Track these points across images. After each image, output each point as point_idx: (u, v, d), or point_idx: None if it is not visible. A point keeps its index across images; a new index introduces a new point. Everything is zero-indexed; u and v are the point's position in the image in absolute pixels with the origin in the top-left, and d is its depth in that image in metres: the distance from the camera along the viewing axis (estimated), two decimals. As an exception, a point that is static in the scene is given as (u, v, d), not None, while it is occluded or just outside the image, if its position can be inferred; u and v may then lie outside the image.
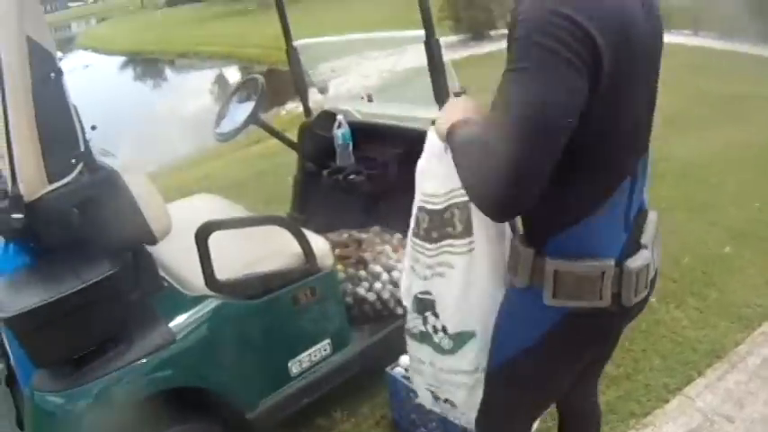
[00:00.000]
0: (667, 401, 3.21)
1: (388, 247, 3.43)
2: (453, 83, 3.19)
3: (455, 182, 1.82)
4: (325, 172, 3.61)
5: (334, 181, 3.54)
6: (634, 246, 1.68)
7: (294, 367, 2.94)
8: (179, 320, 2.60)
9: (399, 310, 3.24)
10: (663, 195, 5.07)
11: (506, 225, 2.05)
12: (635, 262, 1.65)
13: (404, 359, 3.05)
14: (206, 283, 2.64)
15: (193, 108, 13.61)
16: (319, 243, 2.97)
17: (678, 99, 7.47)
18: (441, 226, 2.08)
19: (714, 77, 8.79)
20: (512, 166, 1.41)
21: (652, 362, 3.44)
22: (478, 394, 2.07)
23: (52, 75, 2.25)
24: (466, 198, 1.90)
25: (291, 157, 4.22)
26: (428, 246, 2.13)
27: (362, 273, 3.27)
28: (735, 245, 4.51)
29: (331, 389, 3.01)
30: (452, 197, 2.03)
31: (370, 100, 3.86)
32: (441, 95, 3.16)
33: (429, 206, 2.11)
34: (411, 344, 2.32)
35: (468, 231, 2.02)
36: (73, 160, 2.31)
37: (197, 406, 2.74)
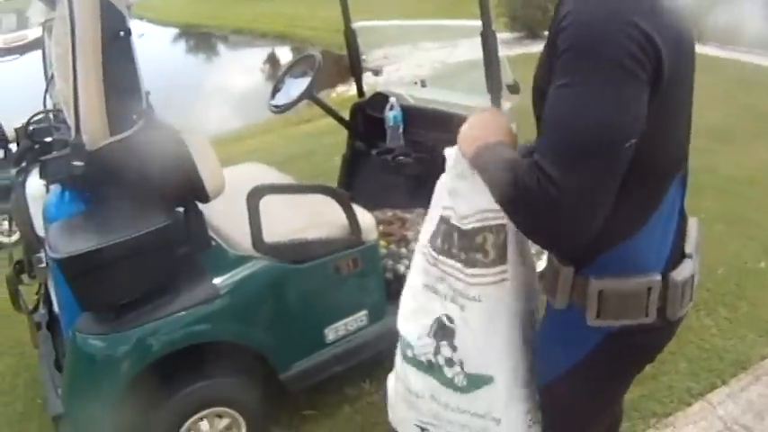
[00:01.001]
0: (689, 405, 3.25)
1: (429, 229, 3.49)
2: (507, 76, 3.25)
3: (488, 201, 1.68)
4: (374, 151, 3.67)
5: (382, 161, 3.60)
6: (678, 256, 1.61)
7: (330, 334, 3.03)
8: (223, 278, 2.70)
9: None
10: (702, 207, 5.07)
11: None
12: (681, 274, 1.57)
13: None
14: (253, 245, 2.74)
15: (244, 84, 13.71)
16: (365, 217, 3.06)
17: (728, 114, 7.43)
18: (470, 249, 1.88)
19: (758, 93, 8.69)
20: (580, 198, 1.33)
21: (678, 365, 3.48)
22: None
23: (122, 33, 2.36)
24: (501, 221, 1.81)
25: (340, 138, 4.30)
26: (458, 266, 1.91)
27: (404, 250, 3.35)
28: (772, 261, 4.52)
29: (363, 360, 3.09)
30: (485, 219, 1.85)
31: (423, 85, 3.92)
32: (494, 87, 3.22)
33: (456, 223, 1.92)
34: (409, 372, 2.10)
35: (501, 259, 1.86)
36: (134, 116, 2.41)
37: (233, 362, 2.84)
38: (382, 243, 3.35)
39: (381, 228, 3.40)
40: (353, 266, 2.99)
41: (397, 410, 2.23)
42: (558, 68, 1.35)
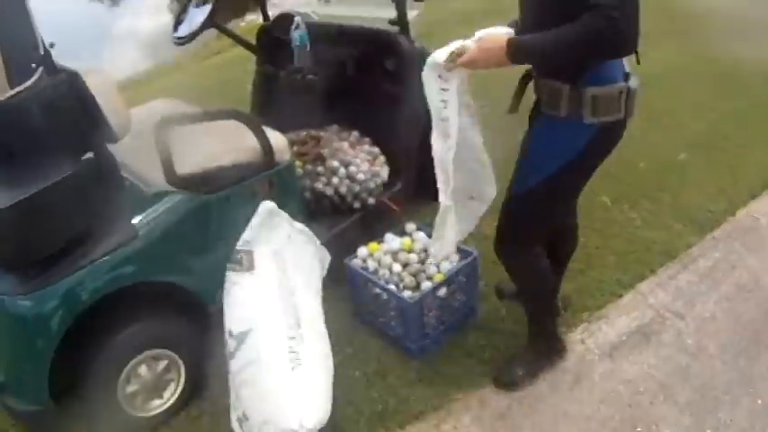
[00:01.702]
0: (620, 296, 3.31)
1: (345, 144, 3.46)
2: None
3: None
4: (282, 73, 3.59)
5: (291, 81, 3.51)
6: (627, 73, 2.29)
7: None
8: (141, 217, 2.62)
9: (356, 205, 3.29)
10: (621, 102, 5.12)
11: None
12: (634, 83, 2.28)
13: (362, 251, 3.11)
14: (166, 178, 2.65)
15: (151, 25, 13.32)
16: (277, 138, 2.98)
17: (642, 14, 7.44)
18: None
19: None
20: (632, 22, 1.98)
21: (606, 259, 3.53)
22: (254, 396, 2.49)
23: None
24: None
25: (251, 66, 4.19)
26: None
27: (320, 168, 3.30)
28: (690, 153, 4.57)
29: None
30: None
31: (327, 1, 3.84)
32: None
33: None
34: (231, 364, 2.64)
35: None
36: (33, 64, 2.28)
37: (161, 300, 2.79)
38: (298, 164, 3.29)
39: (296, 148, 3.34)
40: (270, 189, 2.92)
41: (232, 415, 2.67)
42: None
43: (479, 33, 2.27)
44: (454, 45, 2.26)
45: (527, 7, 2.35)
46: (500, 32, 2.25)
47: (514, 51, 2.13)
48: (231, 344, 2.58)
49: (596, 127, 2.27)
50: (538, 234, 2.67)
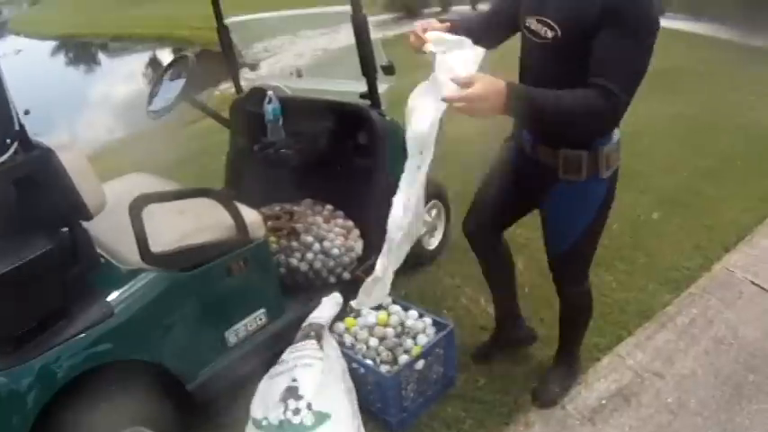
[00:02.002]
0: (598, 360, 3.31)
1: (319, 218, 3.47)
2: (381, 58, 3.26)
3: None
4: (256, 147, 3.62)
5: (265, 155, 3.55)
6: None
7: (231, 337, 2.97)
8: (116, 294, 2.60)
9: (332, 279, 3.29)
10: (594, 162, 5.18)
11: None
12: (618, 136, 2.51)
13: (338, 326, 3.11)
14: (141, 257, 2.64)
15: (127, 91, 13.42)
16: (250, 214, 2.98)
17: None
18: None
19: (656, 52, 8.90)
20: (627, 106, 2.18)
21: (582, 324, 3.51)
22: None
23: None
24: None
25: (225, 136, 4.21)
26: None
27: (294, 243, 3.30)
28: (664, 211, 4.63)
29: (266, 359, 3.01)
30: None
31: (299, 75, 3.90)
32: (368, 69, 3.20)
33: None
34: None
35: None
36: (8, 140, 2.28)
37: (138, 379, 2.73)
38: (272, 239, 3.29)
39: (270, 224, 3.34)
40: (245, 266, 2.93)
41: None
42: (611, 22, 2.12)
43: (452, 61, 2.12)
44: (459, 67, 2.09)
45: (535, 66, 2.43)
46: (470, 54, 2.16)
47: (515, 99, 2.03)
48: (307, 416, 2.59)
49: (608, 179, 2.54)
50: (589, 268, 2.90)
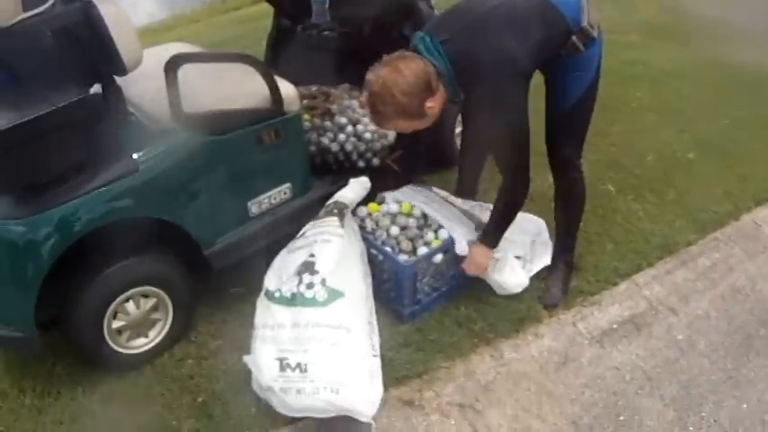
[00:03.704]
0: (615, 284, 3.29)
1: (355, 102, 3.43)
2: None
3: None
4: (299, 27, 3.56)
5: (307, 37, 3.50)
6: None
7: (254, 207, 2.96)
8: (143, 152, 2.58)
9: (361, 164, 3.27)
10: (635, 97, 5.15)
11: None
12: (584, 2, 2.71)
13: (361, 210, 3.11)
14: (172, 116, 2.62)
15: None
16: (286, 87, 2.94)
17: (663, 11, 7.44)
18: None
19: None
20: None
21: (604, 246, 3.51)
22: (334, 357, 2.51)
23: None
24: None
25: (269, 23, 4.11)
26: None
27: (328, 123, 3.28)
28: (700, 153, 4.54)
29: (287, 233, 3.01)
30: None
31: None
32: None
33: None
34: (275, 310, 2.65)
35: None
36: None
37: (155, 239, 2.77)
38: (306, 117, 3.27)
39: (306, 102, 3.32)
40: (275, 137, 2.90)
41: (261, 349, 2.62)
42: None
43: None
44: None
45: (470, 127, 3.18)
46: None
47: (490, 245, 2.92)
48: (321, 292, 2.61)
49: (599, 43, 2.76)
50: (582, 147, 3.06)
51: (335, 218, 2.80)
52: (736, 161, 4.49)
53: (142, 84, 2.65)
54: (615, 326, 3.07)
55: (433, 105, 2.53)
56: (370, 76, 2.48)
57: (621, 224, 3.68)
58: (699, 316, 3.15)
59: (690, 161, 4.44)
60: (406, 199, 3.08)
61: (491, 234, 2.92)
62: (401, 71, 2.45)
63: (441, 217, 3.04)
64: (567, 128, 2.95)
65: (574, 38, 2.66)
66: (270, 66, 3.85)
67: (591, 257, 3.41)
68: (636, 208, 3.86)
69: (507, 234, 2.95)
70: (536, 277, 3.24)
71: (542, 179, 3.18)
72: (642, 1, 7.77)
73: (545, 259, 3.31)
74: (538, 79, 2.83)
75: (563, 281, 3.21)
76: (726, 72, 5.97)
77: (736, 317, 3.17)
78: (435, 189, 3.24)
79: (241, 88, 2.87)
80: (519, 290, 3.12)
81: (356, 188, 2.99)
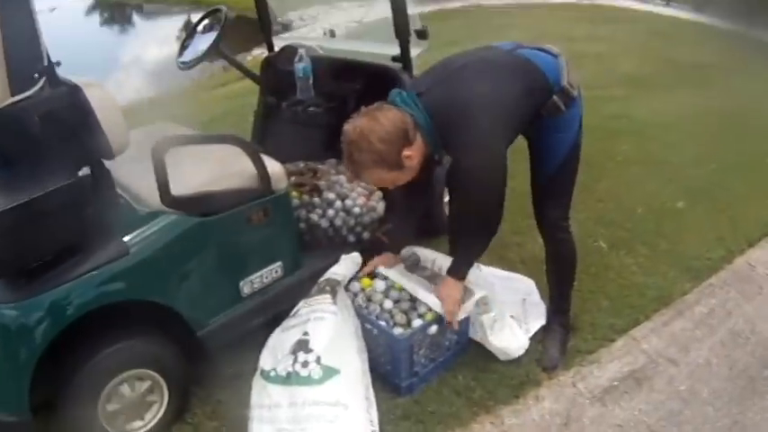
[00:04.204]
0: (613, 341, 3.28)
1: (342, 177, 3.45)
2: (415, 23, 3.24)
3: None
4: (285, 104, 3.60)
5: (293, 113, 3.54)
6: None
7: (245, 287, 2.96)
8: (133, 234, 2.60)
9: (351, 238, 3.28)
10: (620, 150, 5.20)
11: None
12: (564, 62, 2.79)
13: (354, 285, 3.10)
14: (161, 199, 2.64)
15: (159, 54, 13.45)
16: (274, 166, 2.97)
17: (644, 63, 7.55)
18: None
19: (681, 46, 8.88)
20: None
21: (599, 303, 3.51)
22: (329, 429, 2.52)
23: None
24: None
25: (254, 99, 4.20)
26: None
27: (316, 200, 3.29)
28: (689, 201, 4.57)
29: (280, 312, 3.01)
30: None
31: (332, 35, 3.87)
32: (402, 31, 3.17)
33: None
34: (271, 390, 2.65)
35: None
36: (36, 74, 2.28)
37: (148, 322, 2.76)
38: (294, 194, 3.28)
39: (293, 179, 3.34)
40: (265, 216, 2.92)
41: (261, 428, 2.64)
42: None
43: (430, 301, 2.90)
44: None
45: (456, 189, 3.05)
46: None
47: (459, 277, 2.85)
48: (316, 370, 2.61)
49: (578, 103, 2.80)
50: (570, 208, 3.06)
51: (328, 295, 2.80)
52: (725, 205, 4.53)
53: (130, 165, 2.67)
54: (616, 383, 3.03)
55: (411, 155, 2.53)
56: (347, 126, 2.52)
57: (615, 280, 3.68)
58: (699, 364, 3.13)
59: (680, 210, 4.47)
60: (394, 278, 3.07)
61: (460, 266, 2.86)
62: (378, 119, 2.48)
63: (430, 298, 2.97)
64: (554, 191, 2.97)
65: (555, 97, 2.70)
66: (257, 142, 3.91)
67: (586, 316, 3.40)
68: (629, 262, 3.86)
69: (499, 295, 2.96)
70: (533, 339, 3.21)
71: (533, 242, 3.19)
72: (623, 55, 7.92)
73: (540, 320, 3.30)
74: (521, 143, 2.88)
75: (560, 341, 3.19)
76: (710, 118, 6.06)
77: (738, 361, 3.15)
78: (425, 252, 3.22)
79: (228, 169, 2.89)
80: (521, 352, 3.11)
81: (348, 264, 3.00)
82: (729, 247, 4.04)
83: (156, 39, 17.45)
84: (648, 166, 5.07)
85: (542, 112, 2.72)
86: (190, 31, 3.79)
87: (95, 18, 25.20)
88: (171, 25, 19.72)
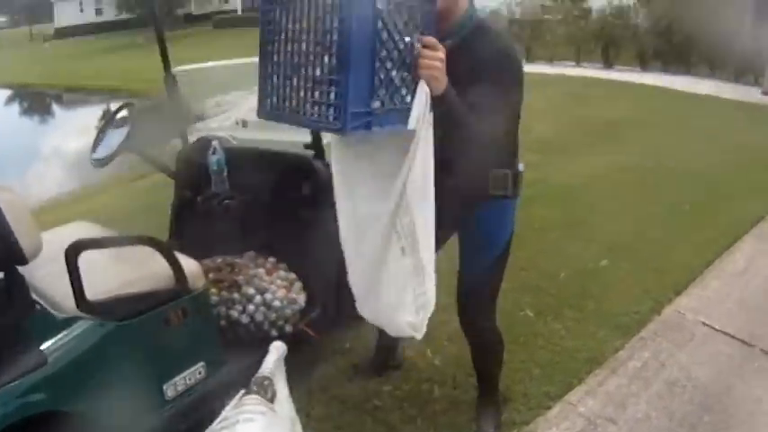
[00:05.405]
0: (549, 408, 3.26)
1: (261, 271, 3.39)
2: None
3: None
4: (200, 198, 3.58)
5: (208, 207, 3.51)
6: None
7: (169, 390, 2.87)
8: (50, 342, 2.52)
9: (274, 332, 3.23)
10: (538, 215, 5.25)
11: None
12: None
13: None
14: (76, 304, 2.57)
15: (79, 143, 13.36)
16: (190, 264, 2.92)
17: (557, 126, 7.75)
18: None
19: (593, 104, 9.14)
20: None
21: (531, 372, 3.49)
22: None
23: None
24: None
25: (172, 191, 4.16)
26: None
27: (236, 295, 3.24)
28: (612, 258, 4.65)
29: (206, 414, 2.94)
30: None
31: (244, 126, 3.88)
32: None
33: None
34: None
35: None
36: None
37: (72, 430, 2.63)
38: (213, 291, 3.23)
39: (212, 275, 3.28)
40: (183, 317, 2.86)
41: None
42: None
43: None
44: None
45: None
46: None
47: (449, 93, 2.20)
48: None
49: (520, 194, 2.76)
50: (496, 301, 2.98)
51: (256, 395, 2.74)
52: (649, 257, 4.63)
53: (44, 268, 2.60)
54: (556, 451, 3.01)
55: None
56: None
57: (545, 347, 3.68)
58: (639, 419, 3.14)
59: (603, 268, 4.54)
60: None
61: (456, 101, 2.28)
62: None
63: None
64: (484, 292, 2.92)
65: (509, 173, 2.68)
66: (175, 238, 3.85)
67: (519, 386, 3.38)
68: (557, 327, 3.88)
69: None
70: (465, 419, 3.18)
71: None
72: (536, 119, 8.07)
73: None
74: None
75: (493, 416, 3.15)
76: (625, 174, 6.23)
77: (677, 410, 3.17)
78: None
79: (144, 270, 2.83)
80: None
81: (273, 356, 2.94)
82: (657, 298, 4.12)
83: (75, 128, 17.38)
84: (568, 228, 5.16)
85: (489, 187, 2.69)
86: (102, 127, 3.75)
87: (15, 108, 25.05)
88: (91, 114, 19.69)
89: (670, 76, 11.74)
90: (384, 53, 2.00)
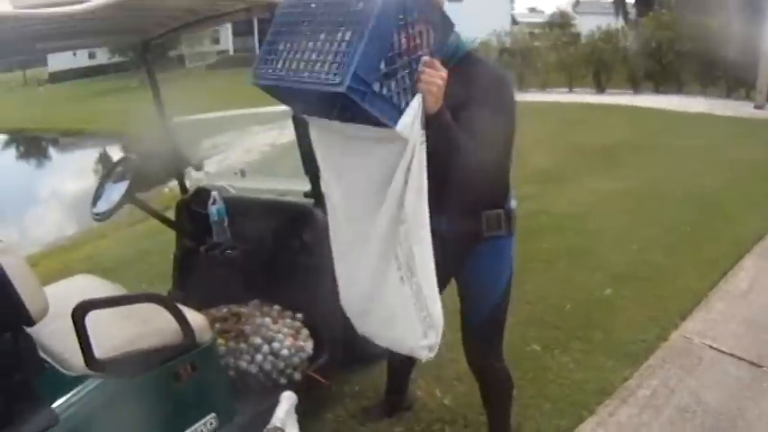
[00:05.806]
0: (561, 442, 3.24)
1: (267, 320, 3.38)
2: None
3: None
4: (202, 248, 3.59)
5: (211, 257, 3.52)
6: None
7: None
8: (61, 402, 2.51)
9: (282, 380, 3.22)
10: (543, 248, 5.25)
11: None
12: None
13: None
14: (85, 363, 2.56)
15: (77, 188, 13.39)
16: (196, 318, 2.92)
17: (555, 154, 7.77)
18: None
19: (589, 130, 9.18)
20: None
21: (542, 407, 3.48)
22: None
23: None
24: None
25: (173, 235, 4.16)
26: None
27: (243, 345, 3.23)
28: (616, 287, 4.65)
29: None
30: None
31: (243, 175, 3.90)
32: (310, 168, 3.20)
33: None
34: None
35: None
36: None
37: None
38: (220, 342, 3.22)
39: (218, 326, 3.29)
40: (192, 370, 2.85)
41: None
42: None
43: None
44: None
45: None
46: None
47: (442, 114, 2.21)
48: None
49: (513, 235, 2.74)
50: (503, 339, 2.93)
51: None
52: (653, 284, 4.62)
53: (51, 326, 2.59)
54: (570, 484, 3.00)
55: None
56: None
57: (554, 380, 3.67)
58: (652, 448, 3.10)
59: (608, 297, 4.53)
60: None
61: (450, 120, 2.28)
62: None
63: None
64: (490, 334, 2.89)
65: (502, 213, 2.68)
66: (179, 288, 3.86)
67: (530, 422, 3.36)
68: (565, 360, 3.87)
69: None
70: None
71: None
72: (533, 149, 8.11)
73: None
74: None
75: None
76: (625, 199, 6.24)
77: (689, 436, 3.14)
78: None
79: (151, 325, 2.82)
80: None
81: (284, 407, 2.94)
82: (663, 324, 4.11)
83: (73, 172, 17.40)
84: (572, 259, 5.16)
85: (483, 229, 2.68)
86: (101, 181, 3.77)
87: (11, 152, 25.08)
88: (87, 157, 19.73)
89: (662, 97, 11.81)
90: (398, 48, 2.04)
